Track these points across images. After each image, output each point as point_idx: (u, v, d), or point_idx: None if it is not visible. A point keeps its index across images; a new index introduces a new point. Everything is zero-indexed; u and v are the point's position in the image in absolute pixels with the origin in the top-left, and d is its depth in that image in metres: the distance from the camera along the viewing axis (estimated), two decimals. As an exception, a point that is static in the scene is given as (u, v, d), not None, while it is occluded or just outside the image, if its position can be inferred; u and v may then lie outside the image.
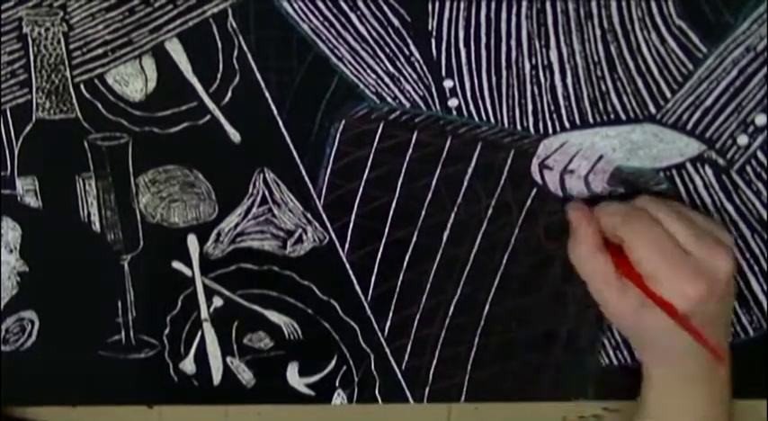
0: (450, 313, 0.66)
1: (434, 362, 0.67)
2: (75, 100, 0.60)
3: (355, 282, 0.65)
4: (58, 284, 0.65)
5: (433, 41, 0.59)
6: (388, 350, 0.67)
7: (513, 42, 0.59)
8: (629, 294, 0.58)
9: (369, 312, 0.66)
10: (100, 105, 0.61)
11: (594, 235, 0.60)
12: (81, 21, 0.59)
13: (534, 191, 0.62)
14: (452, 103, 0.61)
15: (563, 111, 0.61)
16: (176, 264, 0.65)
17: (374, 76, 0.60)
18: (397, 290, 0.65)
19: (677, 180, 0.62)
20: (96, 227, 0.64)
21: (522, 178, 0.62)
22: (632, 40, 0.59)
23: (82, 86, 0.60)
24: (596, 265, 0.59)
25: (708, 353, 0.58)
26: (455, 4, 0.58)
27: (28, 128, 0.61)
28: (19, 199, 0.63)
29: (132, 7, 0.58)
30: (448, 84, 0.60)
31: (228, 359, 0.67)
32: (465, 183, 0.62)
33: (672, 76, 0.60)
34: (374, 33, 0.59)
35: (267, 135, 0.61)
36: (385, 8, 0.58)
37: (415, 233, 0.64)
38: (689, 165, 0.62)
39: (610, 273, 0.59)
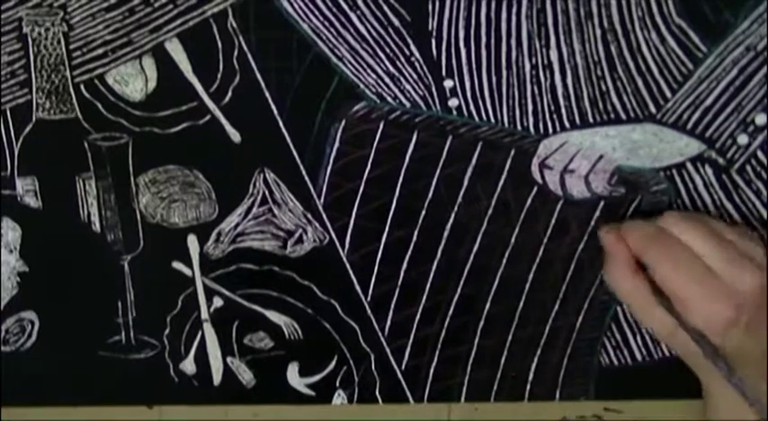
0: (450, 313, 0.66)
1: (434, 362, 0.67)
2: (75, 100, 0.60)
3: (355, 281, 0.65)
4: (58, 284, 0.65)
5: (434, 41, 0.59)
6: (388, 350, 0.67)
7: (513, 42, 0.59)
8: (666, 315, 0.58)
9: (369, 312, 0.66)
10: (100, 105, 0.61)
11: (628, 258, 0.60)
12: (81, 21, 0.59)
13: (534, 190, 0.62)
14: (452, 102, 0.61)
15: (563, 111, 0.60)
16: (176, 264, 0.65)
17: (374, 75, 0.60)
18: (397, 290, 0.65)
19: (677, 179, 0.62)
20: (96, 227, 0.64)
21: (522, 178, 0.62)
22: (632, 40, 0.59)
23: (82, 86, 0.60)
24: (632, 288, 0.60)
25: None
26: (455, 4, 0.58)
27: (28, 128, 0.61)
28: (19, 199, 0.63)
29: (132, 7, 0.58)
30: (448, 83, 0.60)
31: (229, 359, 0.67)
32: (465, 183, 0.62)
33: (672, 76, 0.60)
34: (374, 33, 0.59)
35: (267, 135, 0.61)
36: (385, 8, 0.58)
37: (415, 233, 0.64)
38: (689, 165, 0.62)
39: (646, 295, 0.59)
